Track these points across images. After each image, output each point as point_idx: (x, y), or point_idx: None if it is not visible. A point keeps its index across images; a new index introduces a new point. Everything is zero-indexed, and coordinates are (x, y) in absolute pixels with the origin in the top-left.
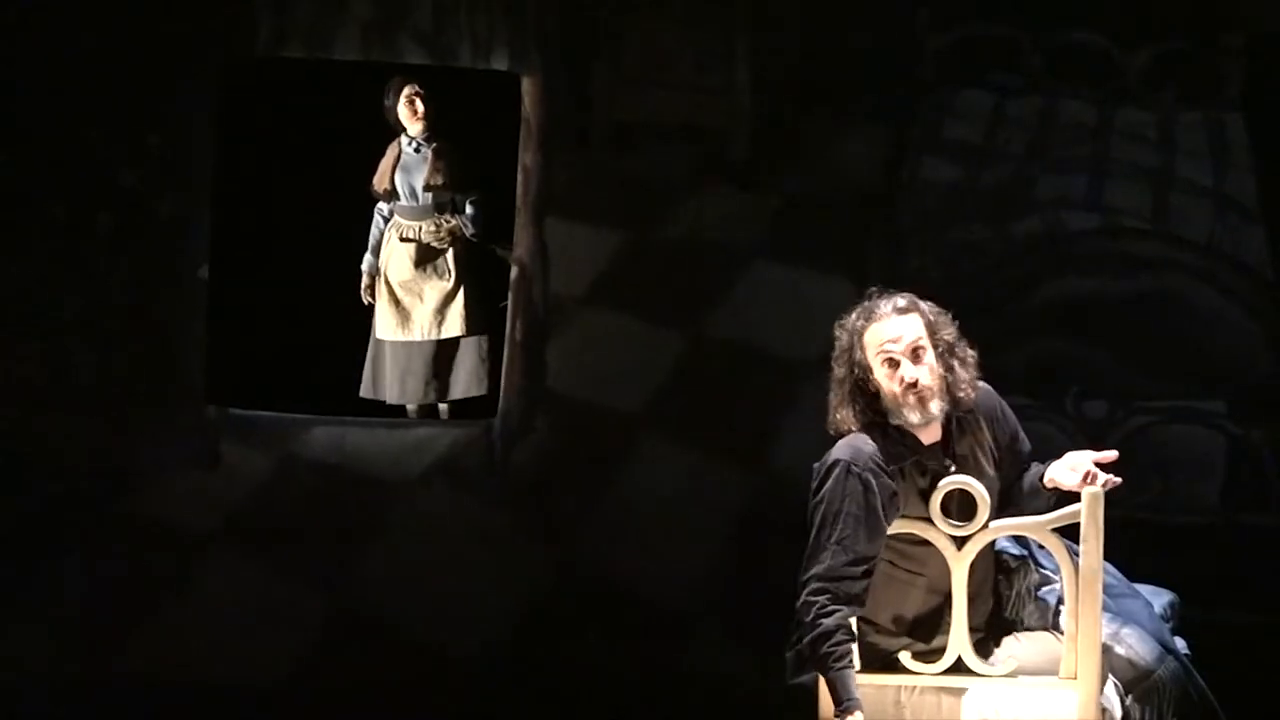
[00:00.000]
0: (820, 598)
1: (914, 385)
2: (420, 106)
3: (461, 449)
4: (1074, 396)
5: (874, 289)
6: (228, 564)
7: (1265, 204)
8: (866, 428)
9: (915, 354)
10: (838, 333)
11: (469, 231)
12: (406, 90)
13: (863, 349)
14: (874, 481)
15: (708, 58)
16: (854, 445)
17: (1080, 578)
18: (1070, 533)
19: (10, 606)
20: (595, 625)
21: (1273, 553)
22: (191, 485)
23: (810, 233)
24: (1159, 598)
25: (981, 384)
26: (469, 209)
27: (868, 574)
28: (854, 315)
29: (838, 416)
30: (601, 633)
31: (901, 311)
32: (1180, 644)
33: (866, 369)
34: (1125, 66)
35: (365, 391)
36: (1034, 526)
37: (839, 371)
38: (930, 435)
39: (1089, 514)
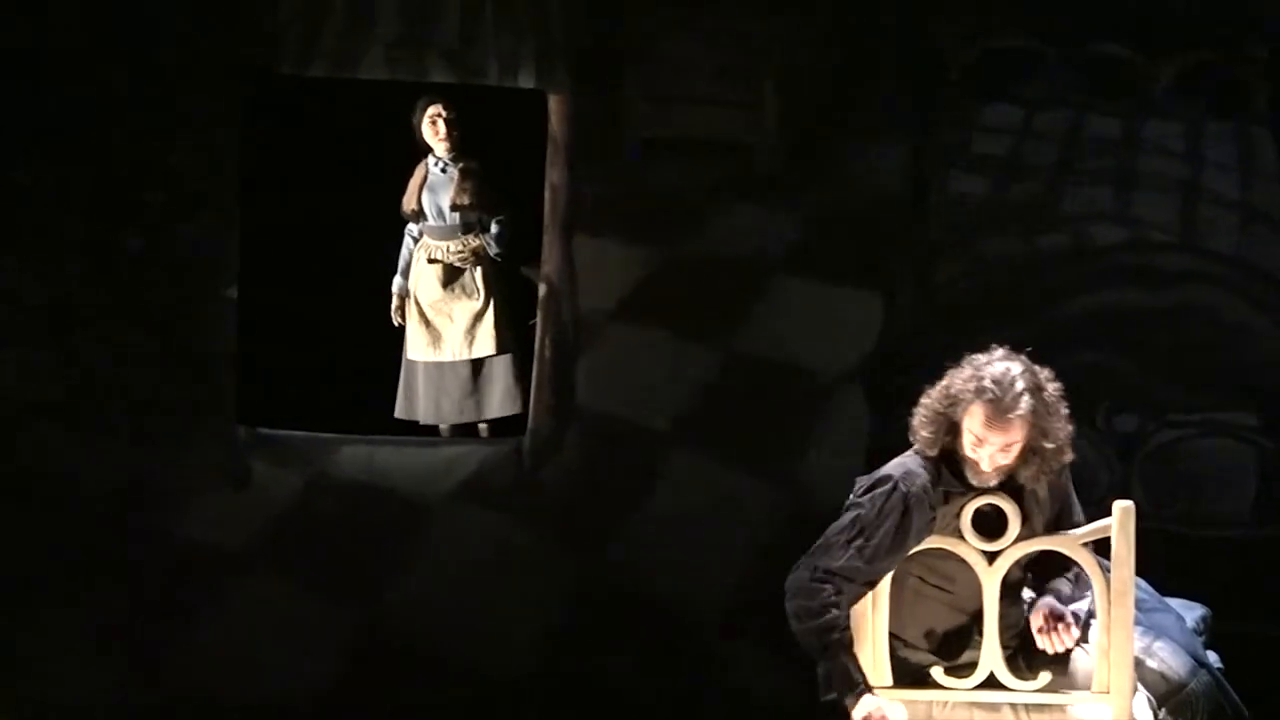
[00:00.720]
0: (828, 586)
1: (979, 468)
2: (444, 127)
3: (491, 467)
4: (1105, 411)
5: (1019, 362)
6: (258, 583)
7: None
8: (935, 455)
9: (1004, 449)
10: (960, 374)
11: (493, 251)
12: (431, 111)
13: (965, 412)
14: (915, 510)
15: (734, 73)
16: (909, 468)
17: (1112, 592)
18: (1102, 548)
19: (42, 627)
20: (626, 642)
21: None
22: (222, 505)
23: (838, 247)
24: (1191, 611)
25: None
26: (494, 228)
27: (867, 588)
28: (981, 377)
29: (920, 434)
30: (632, 649)
31: (1017, 417)
32: (1213, 657)
33: (957, 427)
34: (1152, 79)
35: (400, 412)
36: (1065, 542)
37: (936, 402)
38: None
39: (1120, 529)
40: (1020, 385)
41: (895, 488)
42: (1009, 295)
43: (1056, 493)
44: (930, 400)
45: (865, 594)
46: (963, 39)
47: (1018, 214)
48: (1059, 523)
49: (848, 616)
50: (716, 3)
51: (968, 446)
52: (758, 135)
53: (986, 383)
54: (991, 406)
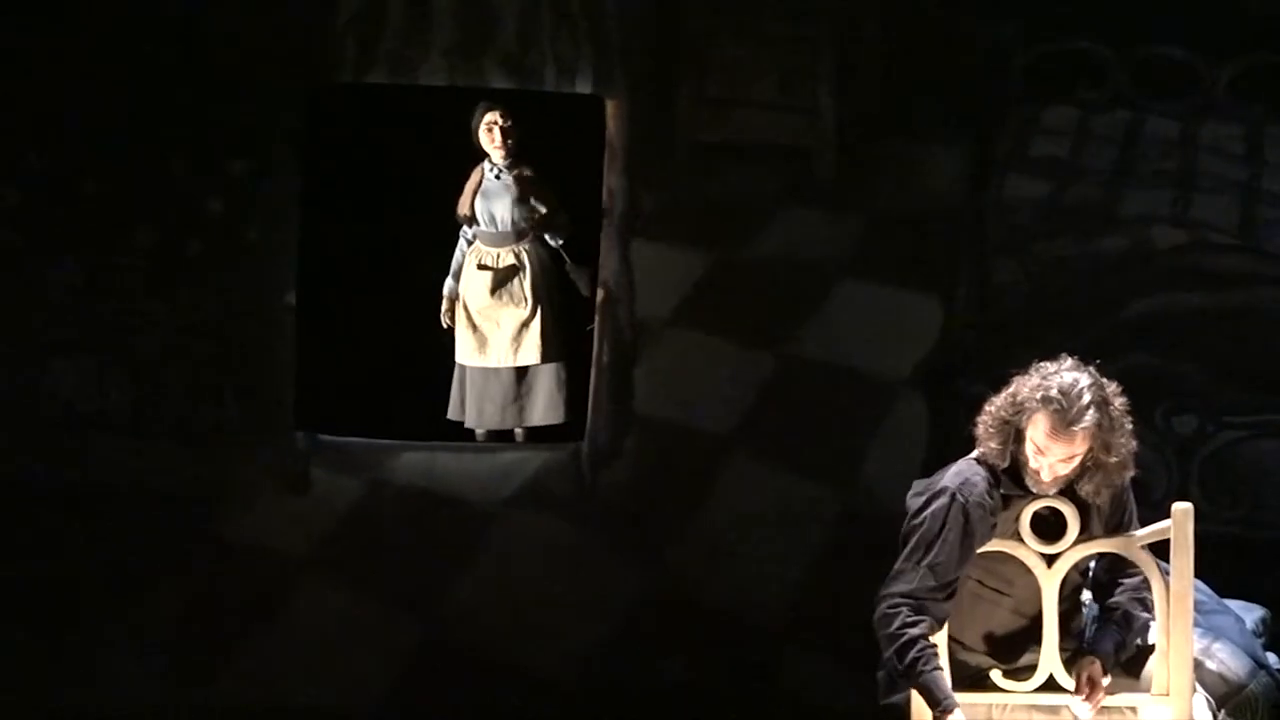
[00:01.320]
0: (902, 609)
1: (1039, 477)
2: (499, 135)
3: (550, 473)
4: (1164, 413)
5: (1087, 374)
6: (318, 589)
7: None
8: (996, 458)
9: (1066, 460)
10: (1028, 383)
11: (555, 243)
12: (487, 118)
13: (1029, 422)
14: (975, 515)
15: (792, 76)
16: (966, 476)
17: (1171, 594)
18: (1160, 550)
19: (104, 633)
20: (685, 647)
21: None
22: (282, 511)
23: (897, 250)
24: (1250, 613)
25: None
26: (558, 241)
27: (950, 597)
28: (1049, 386)
29: (988, 444)
30: (692, 655)
31: (1081, 429)
32: (1272, 659)
33: (1022, 435)
34: (1211, 80)
35: (453, 413)
36: (1124, 544)
37: (1003, 410)
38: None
39: (1178, 531)
40: (1087, 398)
41: (954, 499)
42: (1067, 298)
43: (1117, 503)
44: (996, 408)
45: (949, 605)
46: (1020, 41)
47: (1076, 217)
48: (1117, 533)
49: (927, 636)
50: (773, 7)
51: (1030, 455)
52: (815, 140)
53: (1053, 392)
54: (1057, 416)
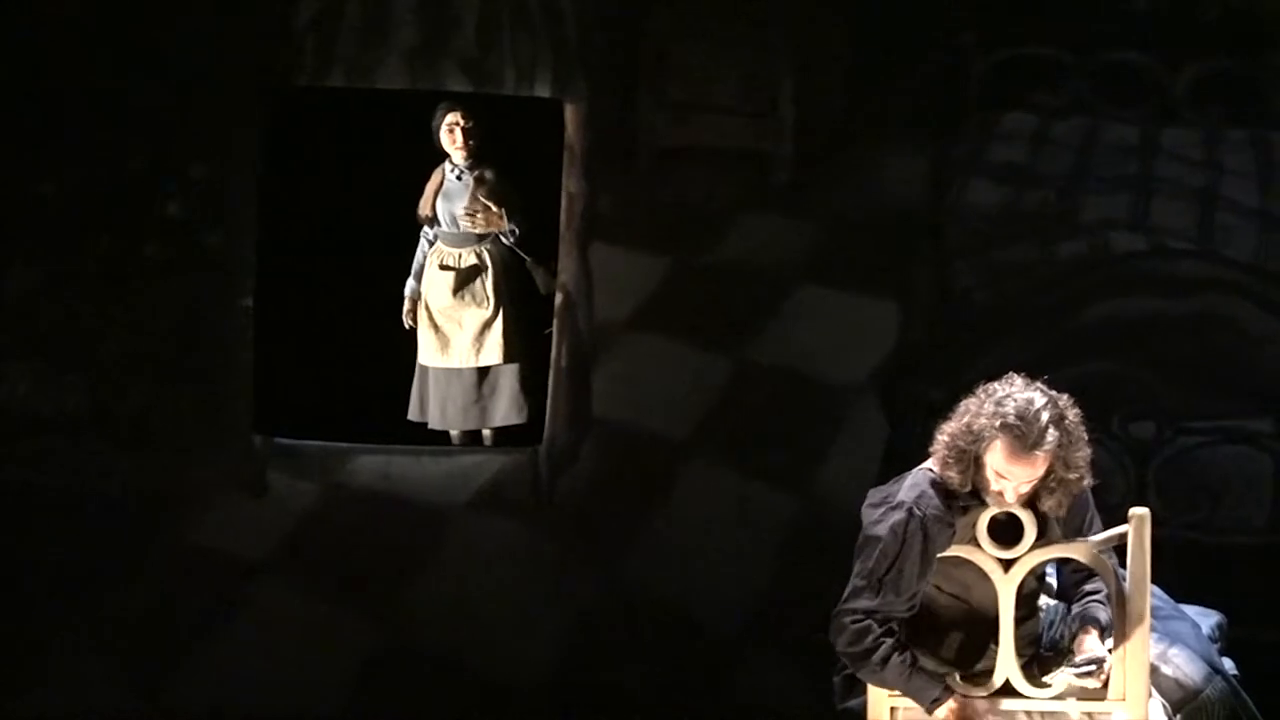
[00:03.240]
0: (870, 624)
1: (1002, 500)
2: (460, 135)
3: (508, 476)
4: (1121, 418)
5: (1039, 392)
6: (275, 593)
7: None
8: (957, 486)
9: (1029, 481)
10: (981, 409)
11: (509, 241)
12: (449, 119)
13: (988, 449)
14: (933, 530)
15: (751, 81)
16: (923, 490)
17: (1128, 599)
18: (1118, 555)
19: (60, 636)
20: (642, 651)
21: None
22: (239, 514)
23: (855, 256)
24: (1207, 618)
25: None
26: (511, 230)
27: (913, 609)
28: (1005, 413)
29: (947, 474)
30: (648, 658)
31: (1042, 453)
32: (1228, 664)
33: (980, 462)
34: (1170, 86)
35: (413, 414)
36: (1081, 549)
37: (959, 440)
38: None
39: (1135, 536)
40: (1045, 417)
41: (911, 514)
42: (1026, 303)
43: (1077, 507)
44: (950, 438)
45: (913, 613)
46: (980, 47)
47: (1034, 222)
48: (1078, 537)
49: (904, 640)
50: (734, 12)
51: (991, 479)
52: (775, 144)
53: (1011, 419)
54: (1017, 442)
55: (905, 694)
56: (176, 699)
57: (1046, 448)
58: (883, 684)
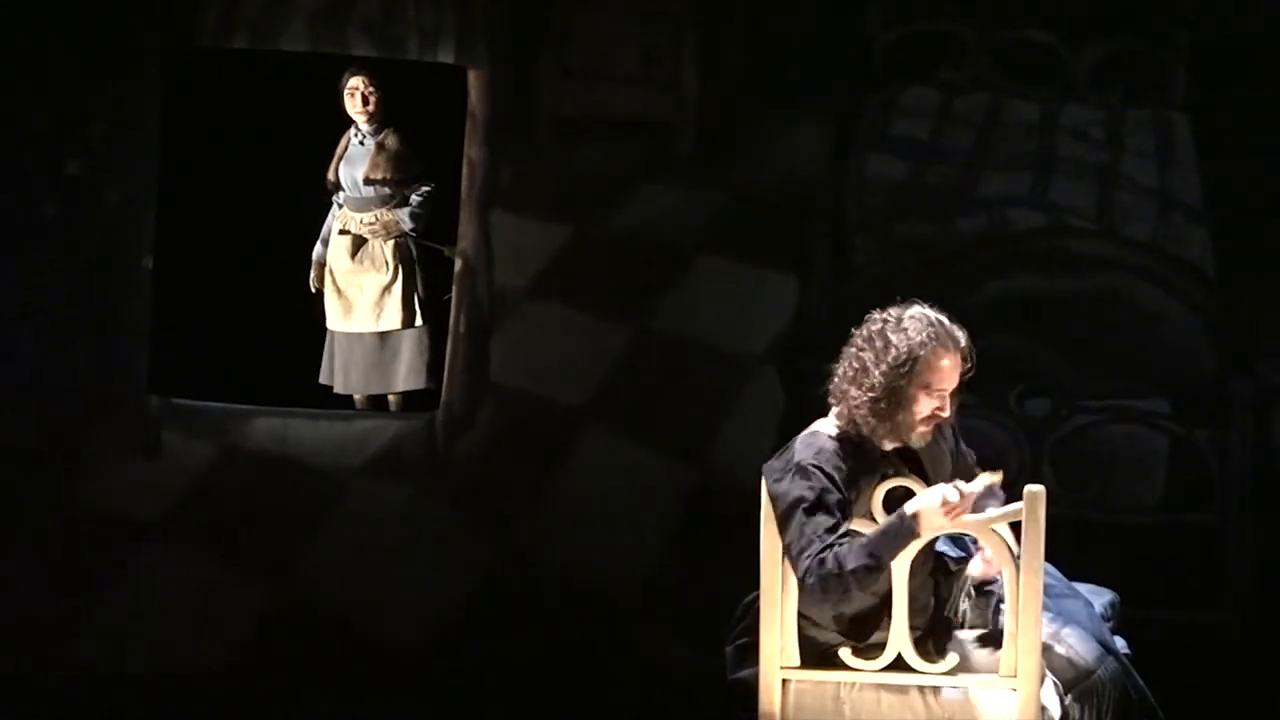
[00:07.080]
0: (828, 553)
1: (935, 418)
2: (362, 100)
3: (405, 441)
4: (1017, 395)
5: (927, 308)
6: (168, 554)
7: (1210, 204)
8: (839, 434)
9: (956, 385)
10: (893, 340)
11: (407, 226)
12: (352, 83)
13: (922, 368)
14: (836, 476)
15: (655, 52)
16: (816, 445)
17: (1021, 577)
18: (1012, 532)
19: None
20: (536, 617)
21: (1213, 553)
22: (132, 475)
23: (755, 228)
24: (1099, 597)
25: None
26: (414, 199)
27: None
28: (921, 332)
29: (874, 423)
30: (543, 625)
31: (965, 344)
32: (1120, 643)
33: (914, 387)
34: (1072, 64)
35: (324, 378)
36: (975, 525)
37: (891, 378)
38: (892, 443)
39: (1030, 513)
40: (943, 315)
41: (812, 466)
42: (925, 278)
43: (947, 444)
44: (878, 383)
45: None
46: (884, 21)
47: (935, 197)
48: (960, 469)
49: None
50: None
51: (919, 404)
52: (677, 115)
53: (936, 329)
54: (952, 342)
55: (895, 553)
56: (67, 660)
57: (965, 345)
58: (879, 569)
